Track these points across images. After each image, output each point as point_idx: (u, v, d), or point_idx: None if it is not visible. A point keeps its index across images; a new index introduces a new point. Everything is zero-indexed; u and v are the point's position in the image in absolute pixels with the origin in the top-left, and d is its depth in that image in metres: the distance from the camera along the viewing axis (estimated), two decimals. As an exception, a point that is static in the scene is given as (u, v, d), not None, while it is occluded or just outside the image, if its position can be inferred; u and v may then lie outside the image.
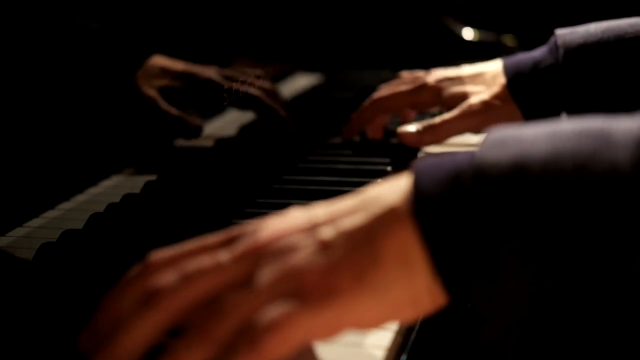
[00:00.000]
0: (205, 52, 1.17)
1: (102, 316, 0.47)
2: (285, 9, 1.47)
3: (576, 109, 0.89)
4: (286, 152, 0.99)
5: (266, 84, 1.05)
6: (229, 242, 0.48)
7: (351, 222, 0.47)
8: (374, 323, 0.46)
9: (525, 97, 0.93)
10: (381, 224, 0.46)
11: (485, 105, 0.94)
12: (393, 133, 1.00)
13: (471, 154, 0.46)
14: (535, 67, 0.92)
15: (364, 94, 1.05)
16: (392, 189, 0.48)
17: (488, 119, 0.94)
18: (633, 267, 0.42)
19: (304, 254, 0.46)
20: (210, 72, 1.00)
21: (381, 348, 0.55)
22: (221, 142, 1.03)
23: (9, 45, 0.85)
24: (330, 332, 0.46)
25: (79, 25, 0.93)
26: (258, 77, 1.06)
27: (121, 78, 0.95)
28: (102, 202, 0.82)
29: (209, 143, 1.03)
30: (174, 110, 0.96)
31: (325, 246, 0.47)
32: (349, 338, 0.54)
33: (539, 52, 0.94)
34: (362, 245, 0.46)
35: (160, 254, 0.49)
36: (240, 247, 0.48)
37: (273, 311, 0.45)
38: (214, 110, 1.16)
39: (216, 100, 1.00)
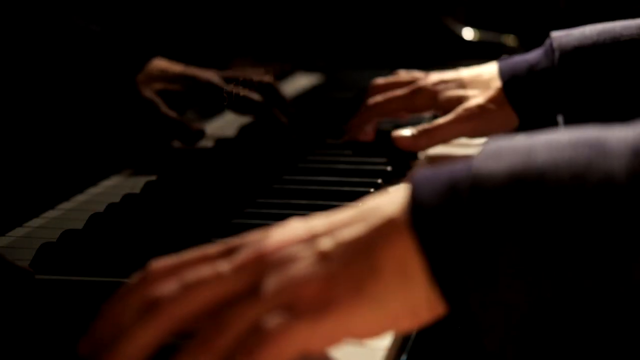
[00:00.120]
0: (206, 53, 1.17)
1: (103, 323, 0.48)
2: (285, 9, 1.47)
3: (572, 112, 0.89)
4: (286, 152, 0.99)
5: (267, 78, 1.05)
6: (229, 252, 0.49)
7: (350, 233, 0.47)
8: (373, 333, 0.46)
9: (521, 101, 0.92)
10: (379, 235, 0.47)
11: (481, 109, 0.94)
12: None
13: (468, 164, 0.46)
14: (531, 70, 0.92)
15: (364, 94, 1.05)
16: (391, 200, 0.48)
17: (484, 122, 0.94)
18: (630, 276, 0.42)
19: (303, 265, 0.47)
20: (210, 74, 1.00)
21: (381, 348, 0.55)
22: (221, 142, 1.03)
23: (10, 46, 0.85)
24: (328, 342, 0.46)
25: (79, 27, 0.93)
26: (258, 81, 1.06)
27: (122, 80, 0.95)
28: (102, 202, 0.82)
29: (209, 143, 1.03)
30: (173, 114, 0.96)
31: (324, 257, 0.47)
32: (348, 338, 0.54)
33: (534, 55, 0.94)
34: (360, 256, 0.46)
35: (161, 263, 0.49)
36: (240, 258, 0.48)
37: (271, 322, 0.45)
38: (214, 110, 1.16)
39: (216, 103, 1.00)
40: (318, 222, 0.49)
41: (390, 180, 0.88)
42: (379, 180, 0.86)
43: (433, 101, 0.98)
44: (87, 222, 0.77)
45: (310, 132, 1.08)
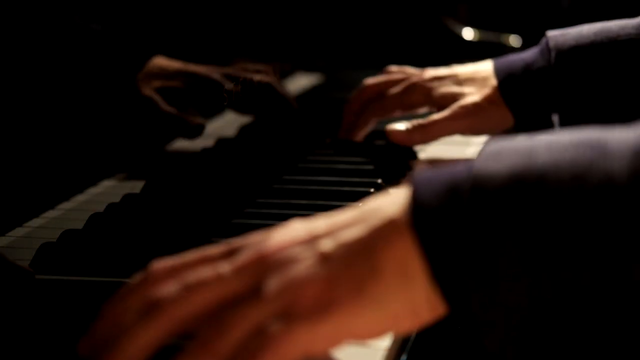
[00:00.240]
0: (205, 52, 1.17)
1: (103, 323, 0.48)
2: (286, 9, 1.47)
3: (568, 112, 0.89)
4: (286, 152, 0.99)
5: (267, 78, 1.05)
6: (230, 254, 0.49)
7: (350, 234, 0.47)
8: (373, 334, 0.46)
9: (516, 100, 0.92)
10: (380, 236, 0.47)
11: (476, 107, 0.93)
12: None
13: (469, 165, 0.46)
14: (527, 70, 0.92)
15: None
16: (391, 201, 0.48)
17: (479, 121, 0.93)
18: (630, 277, 0.42)
19: (304, 266, 0.47)
20: (209, 70, 1.00)
21: (381, 348, 0.55)
22: (221, 142, 1.03)
23: (11, 46, 0.85)
24: (330, 343, 0.46)
25: (79, 26, 0.93)
26: (260, 71, 1.05)
27: (122, 80, 0.95)
28: (102, 202, 0.82)
29: (209, 143, 1.03)
30: (173, 110, 0.96)
31: (324, 258, 0.47)
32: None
33: (529, 54, 0.93)
34: (361, 257, 0.46)
35: (162, 264, 0.49)
36: (240, 259, 0.48)
37: (273, 325, 0.45)
38: (214, 110, 1.16)
39: (216, 99, 1.00)
40: (319, 223, 0.49)
41: (391, 180, 0.88)
42: (379, 180, 0.86)
43: (427, 97, 0.97)
44: (87, 222, 0.77)
45: (310, 132, 1.08)
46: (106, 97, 0.95)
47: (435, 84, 0.97)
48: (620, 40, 0.88)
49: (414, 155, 0.98)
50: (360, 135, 1.00)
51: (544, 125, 0.91)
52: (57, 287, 0.64)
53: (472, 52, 1.50)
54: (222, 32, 1.25)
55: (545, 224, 0.43)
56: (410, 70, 1.02)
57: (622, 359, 0.44)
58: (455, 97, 0.95)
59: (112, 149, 0.97)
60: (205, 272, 0.48)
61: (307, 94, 1.32)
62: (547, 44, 0.91)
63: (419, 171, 0.48)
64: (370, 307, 0.45)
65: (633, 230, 0.42)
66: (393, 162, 0.93)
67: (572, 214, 0.43)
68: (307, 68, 1.48)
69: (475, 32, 1.52)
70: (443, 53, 1.51)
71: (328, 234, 0.48)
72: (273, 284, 0.46)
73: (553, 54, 0.89)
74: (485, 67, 0.96)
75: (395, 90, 0.98)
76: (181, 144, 1.05)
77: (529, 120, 0.93)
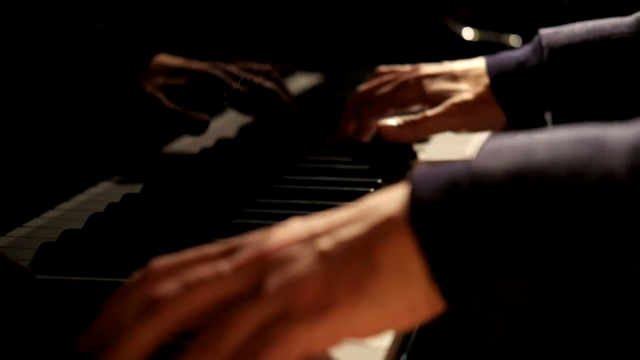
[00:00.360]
0: (206, 52, 1.17)
1: (103, 321, 0.48)
2: (286, 9, 1.47)
3: (560, 111, 0.89)
4: (286, 152, 0.99)
5: (269, 83, 1.05)
6: (229, 252, 0.49)
7: (349, 232, 0.47)
8: (373, 332, 0.47)
9: (509, 99, 0.92)
10: (378, 234, 0.47)
11: (468, 104, 0.93)
12: None
13: (467, 162, 0.46)
14: (519, 68, 0.92)
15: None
16: (390, 199, 0.48)
17: (471, 118, 0.93)
18: (630, 273, 0.42)
19: (303, 265, 0.47)
20: (211, 67, 1.00)
21: (381, 348, 0.55)
22: (221, 142, 1.03)
23: (13, 45, 0.85)
24: (330, 342, 0.46)
25: (82, 24, 0.93)
26: (266, 72, 1.05)
27: (125, 78, 0.95)
28: (102, 202, 0.82)
29: (209, 143, 1.03)
30: (176, 107, 0.96)
31: (323, 256, 0.47)
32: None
33: (522, 52, 0.93)
34: (359, 255, 0.46)
35: (161, 262, 0.49)
36: (240, 258, 0.48)
37: (273, 325, 0.45)
38: (215, 110, 1.16)
39: (219, 97, 0.99)
40: (318, 221, 0.49)
41: (390, 180, 0.88)
42: (379, 180, 0.86)
43: (419, 95, 0.96)
44: (87, 222, 0.77)
45: (310, 132, 1.08)
46: (109, 95, 0.95)
47: (427, 81, 0.97)
48: (613, 38, 0.87)
49: (413, 155, 0.98)
50: (366, 138, 1.00)
51: (537, 123, 0.91)
52: (57, 287, 0.64)
53: (472, 52, 1.49)
54: (223, 31, 1.25)
55: (544, 221, 0.43)
56: (401, 68, 1.01)
57: (622, 357, 0.44)
58: (447, 94, 0.95)
59: (112, 149, 0.96)
60: (205, 271, 0.48)
61: (307, 94, 1.32)
62: (539, 42, 0.91)
63: (418, 169, 0.48)
64: (369, 305, 0.45)
65: (632, 227, 0.42)
66: (393, 162, 0.93)
67: (571, 210, 0.43)
68: (307, 68, 1.48)
69: (475, 32, 1.52)
70: (443, 53, 1.51)
71: (327, 232, 0.48)
72: (273, 282, 0.46)
73: (546, 52, 0.89)
74: (478, 65, 0.96)
75: (386, 89, 0.98)
76: (181, 144, 1.05)
77: (521, 118, 0.92)
